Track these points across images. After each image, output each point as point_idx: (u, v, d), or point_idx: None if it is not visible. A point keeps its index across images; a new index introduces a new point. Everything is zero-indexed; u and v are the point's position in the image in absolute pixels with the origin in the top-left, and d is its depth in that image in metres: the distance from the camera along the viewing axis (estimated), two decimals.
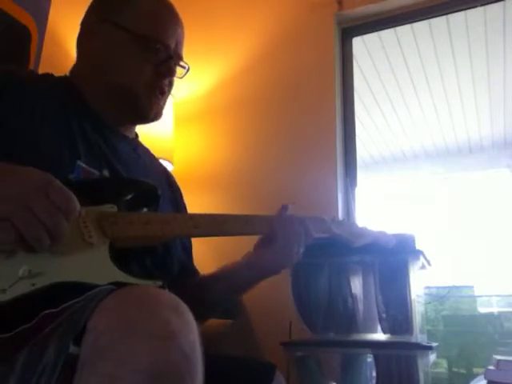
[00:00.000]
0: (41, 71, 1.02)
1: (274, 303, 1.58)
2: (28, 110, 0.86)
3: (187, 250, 1.11)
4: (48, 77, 1.00)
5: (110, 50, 0.98)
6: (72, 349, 0.53)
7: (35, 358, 0.54)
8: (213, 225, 0.89)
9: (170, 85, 1.04)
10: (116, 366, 0.49)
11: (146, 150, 1.14)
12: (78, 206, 0.67)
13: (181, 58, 1.05)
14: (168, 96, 1.06)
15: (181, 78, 1.06)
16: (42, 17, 1.67)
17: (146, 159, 1.10)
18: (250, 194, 1.94)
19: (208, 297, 1.01)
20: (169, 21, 1.01)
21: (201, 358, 0.54)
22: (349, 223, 1.17)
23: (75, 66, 1.04)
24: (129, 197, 0.83)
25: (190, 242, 1.13)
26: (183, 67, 1.06)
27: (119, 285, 0.61)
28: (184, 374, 0.51)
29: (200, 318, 0.59)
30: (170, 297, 0.58)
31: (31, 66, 1.61)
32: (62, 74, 1.03)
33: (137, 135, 1.12)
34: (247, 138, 2.05)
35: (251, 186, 1.96)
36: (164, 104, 1.04)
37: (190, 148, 2.11)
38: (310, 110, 1.95)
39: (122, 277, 0.70)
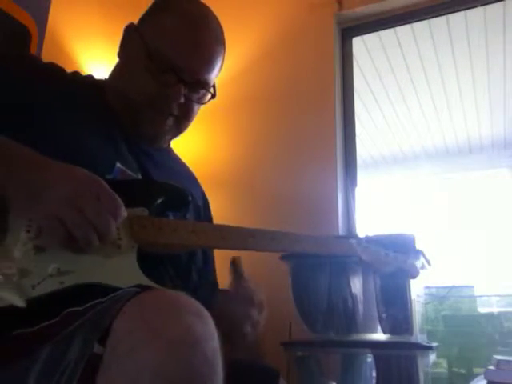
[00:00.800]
0: (71, 70, 1.01)
1: (274, 303, 1.57)
2: (72, 107, 0.85)
3: (208, 261, 1.08)
4: (88, 78, 1.00)
5: (128, 61, 0.95)
6: (97, 348, 0.53)
7: (58, 355, 0.55)
8: (239, 238, 0.87)
9: (186, 111, 0.96)
10: (138, 370, 0.49)
11: (179, 159, 1.13)
12: (125, 210, 0.69)
13: (202, 84, 0.94)
14: (185, 122, 0.98)
15: (203, 103, 0.98)
16: (42, 17, 1.67)
17: (180, 168, 1.09)
18: (250, 193, 1.94)
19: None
20: (191, 42, 0.91)
21: (221, 365, 0.54)
22: (375, 249, 1.13)
23: (110, 73, 1.01)
24: (159, 201, 0.83)
25: (213, 253, 1.11)
26: (209, 92, 0.97)
27: (144, 287, 0.61)
28: (206, 380, 0.50)
29: None
30: (193, 302, 0.58)
31: None
32: (102, 78, 1.02)
33: (169, 144, 1.08)
34: (247, 137, 2.05)
35: (251, 185, 1.96)
36: (176, 127, 0.98)
37: (189, 148, 2.11)
38: (309, 110, 1.95)
39: (145, 282, 0.70)
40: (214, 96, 0.98)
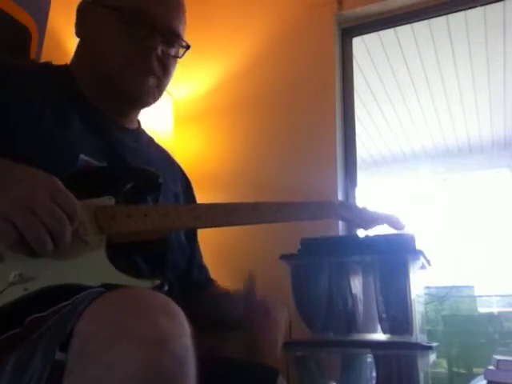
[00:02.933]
0: (31, 60, 0.99)
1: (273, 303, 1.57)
2: (28, 100, 0.82)
3: (187, 246, 1.04)
4: (48, 66, 0.96)
5: (97, 33, 0.92)
6: (59, 355, 0.51)
7: (24, 363, 0.53)
8: (216, 215, 0.83)
9: (164, 65, 0.95)
10: (104, 372, 0.47)
11: (151, 141, 1.08)
12: (78, 209, 0.66)
13: (174, 34, 0.94)
14: (165, 79, 0.97)
15: (179, 57, 0.98)
16: (42, 17, 1.66)
17: (151, 150, 1.05)
18: (250, 193, 1.94)
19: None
20: None
21: (194, 363, 0.52)
22: (358, 207, 1.12)
23: (74, 54, 1.00)
24: (128, 186, 0.79)
25: (193, 236, 1.08)
26: (181, 45, 0.97)
27: (109, 287, 0.59)
28: (176, 380, 0.49)
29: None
30: (161, 299, 0.56)
31: None
32: (62, 64, 0.99)
33: (139, 124, 1.06)
34: (247, 137, 2.04)
35: (251, 185, 1.96)
36: (157, 86, 0.95)
37: (189, 148, 2.11)
38: (309, 110, 1.95)
39: (118, 276, 0.67)
40: (188, 47, 0.98)
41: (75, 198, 0.66)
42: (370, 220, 1.10)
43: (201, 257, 1.11)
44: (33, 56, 1.63)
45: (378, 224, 1.11)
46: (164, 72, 0.96)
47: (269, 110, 2.03)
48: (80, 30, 0.98)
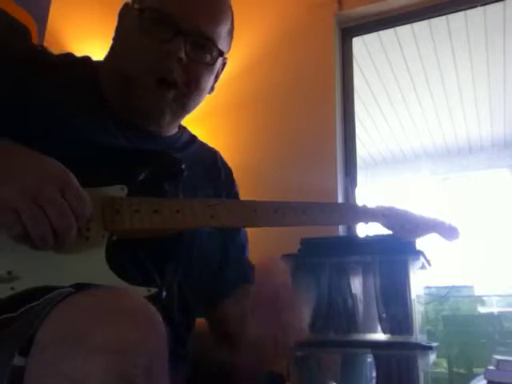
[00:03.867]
0: (65, 52, 0.93)
1: None
2: (56, 98, 0.77)
3: (217, 244, 0.90)
4: (85, 60, 0.88)
5: (122, 34, 0.83)
6: (19, 360, 0.48)
7: None
8: (235, 214, 0.73)
9: (188, 72, 0.80)
10: (58, 383, 0.44)
11: (188, 143, 0.95)
12: (91, 210, 0.62)
13: (204, 36, 0.80)
14: (189, 91, 0.82)
15: (211, 64, 0.84)
16: (42, 17, 1.67)
17: (185, 152, 0.91)
18: (250, 193, 1.93)
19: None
20: None
21: (165, 369, 0.48)
22: (400, 211, 0.96)
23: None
24: (144, 174, 0.71)
25: (242, 232, 0.95)
26: (215, 51, 0.82)
27: (79, 287, 0.55)
28: None
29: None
30: (129, 303, 0.51)
31: None
32: (97, 60, 0.89)
33: (179, 128, 0.93)
34: (247, 137, 2.04)
35: (251, 185, 1.96)
36: (177, 100, 0.81)
37: None
38: (310, 110, 1.95)
39: (113, 280, 0.61)
40: (221, 54, 0.83)
41: (88, 196, 0.61)
42: (416, 228, 0.94)
43: (241, 257, 0.95)
44: None
45: (427, 233, 0.95)
46: (189, 81, 0.81)
47: (269, 110, 2.03)
48: (114, 35, 0.86)
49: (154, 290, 0.61)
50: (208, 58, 0.83)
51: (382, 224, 0.91)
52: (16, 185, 0.58)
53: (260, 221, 0.74)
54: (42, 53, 0.86)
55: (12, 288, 0.57)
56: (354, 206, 0.92)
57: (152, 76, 0.78)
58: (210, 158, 1.00)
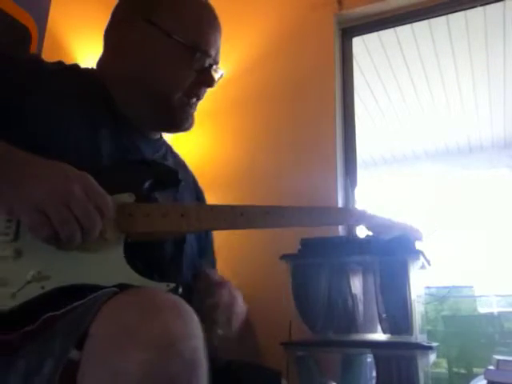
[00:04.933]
0: (55, 60, 0.97)
1: (274, 303, 1.58)
2: (56, 100, 0.81)
3: (205, 245, 1.04)
4: (76, 69, 0.95)
5: (148, 51, 0.91)
6: (74, 354, 0.52)
7: (37, 361, 0.53)
8: (236, 217, 0.81)
9: (204, 93, 1.00)
10: (113, 374, 0.47)
11: (169, 151, 1.08)
12: (113, 208, 0.66)
13: (217, 64, 1.00)
14: (197, 105, 1.01)
15: (215, 85, 1.01)
16: (41, 17, 1.67)
17: (170, 160, 1.04)
18: (250, 193, 1.94)
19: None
20: (212, 28, 0.97)
21: (206, 364, 0.52)
22: (373, 214, 1.10)
23: (103, 58, 0.97)
24: (148, 183, 0.78)
25: (210, 235, 1.08)
26: (217, 73, 1.01)
27: (122, 287, 0.59)
28: (184, 382, 0.49)
29: None
30: (172, 300, 0.55)
31: None
32: (89, 67, 0.98)
33: (161, 136, 1.06)
34: (247, 137, 2.05)
35: (251, 185, 1.96)
36: (194, 112, 1.00)
37: (190, 148, 2.11)
38: (310, 110, 1.95)
39: (133, 277, 0.66)
40: (222, 76, 1.02)
41: (108, 196, 0.66)
42: (388, 228, 1.09)
43: (211, 249, 1.09)
44: None
45: (395, 233, 1.10)
46: (202, 97, 1.00)
47: (269, 110, 2.03)
48: (119, 39, 0.94)
49: (172, 286, 0.66)
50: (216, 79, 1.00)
51: (365, 225, 1.04)
52: (42, 188, 0.61)
53: (251, 223, 0.83)
54: (40, 61, 0.90)
55: (42, 287, 0.61)
56: (340, 210, 1.07)
57: (186, 98, 0.94)
58: (184, 163, 1.14)
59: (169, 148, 1.09)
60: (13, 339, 0.55)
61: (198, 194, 1.11)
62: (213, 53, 0.96)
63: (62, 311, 0.56)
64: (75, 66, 0.96)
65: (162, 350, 0.49)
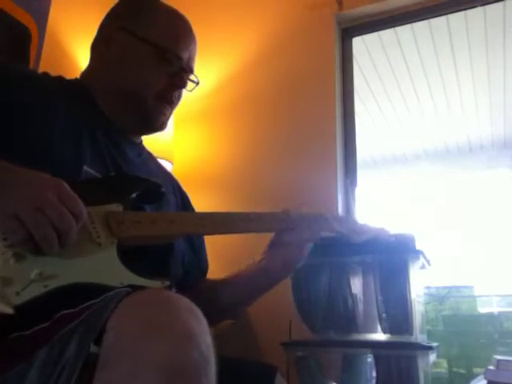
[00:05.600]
0: (40, 71, 1.02)
1: (274, 303, 1.58)
2: (40, 110, 0.85)
3: (196, 249, 1.10)
4: (60, 79, 1.01)
5: (126, 58, 1.00)
6: (93, 348, 0.54)
7: (55, 357, 0.55)
8: (220, 223, 0.89)
9: (179, 97, 1.06)
10: (135, 365, 0.50)
11: (150, 155, 1.15)
12: (85, 211, 0.69)
13: (192, 72, 1.06)
14: (175, 108, 1.07)
15: (190, 91, 1.08)
16: (41, 17, 1.67)
17: (151, 164, 1.11)
18: (250, 194, 1.94)
19: (216, 304, 1.01)
20: (184, 34, 1.03)
21: (214, 360, 0.54)
22: (349, 219, 1.19)
23: (88, 70, 1.05)
24: (134, 195, 0.83)
25: (201, 240, 1.13)
26: (193, 81, 1.07)
27: (134, 287, 0.63)
28: (201, 374, 0.51)
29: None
30: (185, 299, 0.59)
31: (31, 66, 1.61)
32: (73, 78, 1.04)
33: (141, 140, 1.12)
34: (247, 137, 2.05)
35: (250, 186, 1.96)
36: (170, 115, 1.06)
37: (189, 148, 2.11)
38: (309, 110, 1.95)
39: (129, 276, 0.70)
40: (198, 83, 1.08)
41: (81, 201, 0.68)
42: (360, 233, 1.14)
43: (203, 249, 1.14)
44: (33, 56, 1.63)
45: (367, 237, 1.15)
46: (178, 103, 1.07)
47: (268, 110, 2.03)
48: (102, 49, 1.03)
49: (166, 283, 0.71)
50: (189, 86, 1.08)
51: (334, 231, 1.11)
52: (15, 193, 0.65)
53: (240, 228, 0.94)
54: (26, 69, 0.95)
55: (45, 286, 0.64)
56: (316, 216, 1.12)
57: (159, 100, 1.00)
58: (165, 168, 1.21)
59: (150, 153, 1.15)
60: (28, 336, 0.58)
61: (183, 198, 1.15)
62: (184, 56, 1.02)
63: (79, 308, 0.59)
64: (60, 77, 1.02)
65: (183, 342, 0.52)
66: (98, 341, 0.54)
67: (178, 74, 1.02)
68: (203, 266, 1.14)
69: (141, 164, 1.04)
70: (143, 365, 0.49)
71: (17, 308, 0.60)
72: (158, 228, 0.80)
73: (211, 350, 0.54)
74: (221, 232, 0.92)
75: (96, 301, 0.59)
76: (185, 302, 0.58)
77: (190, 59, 1.05)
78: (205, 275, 1.14)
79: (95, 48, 1.05)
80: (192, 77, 1.06)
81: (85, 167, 0.86)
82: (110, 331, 0.53)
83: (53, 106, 0.88)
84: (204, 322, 0.57)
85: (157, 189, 0.89)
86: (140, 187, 0.85)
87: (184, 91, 1.07)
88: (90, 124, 0.93)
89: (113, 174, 0.91)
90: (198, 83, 1.08)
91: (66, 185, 0.68)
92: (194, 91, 1.08)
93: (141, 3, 1.07)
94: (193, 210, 1.17)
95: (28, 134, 0.81)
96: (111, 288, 0.63)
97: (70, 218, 0.66)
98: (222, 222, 0.90)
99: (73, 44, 1.85)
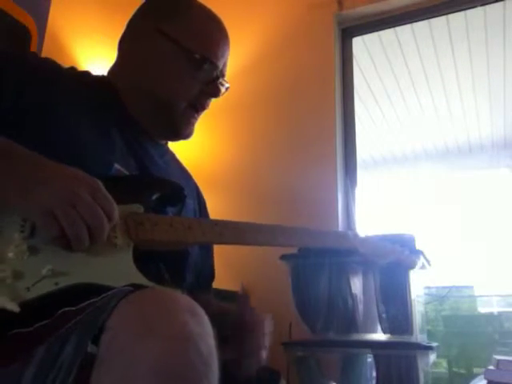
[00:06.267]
0: (67, 66, 1.00)
1: (274, 303, 1.58)
2: (70, 105, 0.84)
3: (207, 254, 1.08)
4: (88, 75, 0.98)
5: (157, 60, 0.95)
6: (91, 348, 0.53)
7: (52, 355, 0.54)
8: (238, 233, 0.86)
9: (209, 104, 1.02)
10: (131, 366, 0.49)
11: (174, 157, 1.12)
12: (117, 212, 0.68)
13: (224, 77, 1.01)
14: (201, 115, 1.03)
15: (219, 96, 1.03)
16: (41, 17, 1.67)
17: (174, 166, 1.08)
18: (250, 193, 1.94)
19: None
20: (220, 40, 0.98)
21: (217, 363, 0.53)
22: (370, 239, 1.13)
23: (115, 66, 1.01)
24: (155, 196, 0.81)
25: (212, 246, 1.11)
26: (225, 87, 1.02)
27: (136, 286, 0.61)
28: (201, 377, 0.50)
29: None
30: (188, 300, 0.57)
31: None
32: (99, 74, 1.02)
33: (166, 142, 1.09)
34: (247, 137, 2.05)
35: (251, 185, 1.96)
36: (196, 122, 1.02)
37: (189, 148, 2.11)
38: (310, 110, 1.95)
39: (142, 281, 0.68)
40: (227, 89, 1.03)
41: (113, 200, 0.68)
42: (382, 255, 1.11)
43: (208, 268, 1.11)
44: None
45: (390, 260, 1.12)
46: (206, 108, 1.02)
47: (269, 110, 2.04)
48: (131, 46, 0.98)
49: (177, 291, 0.68)
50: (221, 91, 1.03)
51: (355, 250, 1.06)
52: (50, 189, 0.64)
53: (255, 240, 0.89)
54: (56, 64, 0.92)
55: (56, 283, 0.63)
56: (341, 234, 1.10)
57: (190, 108, 0.96)
58: (187, 171, 1.16)
59: (173, 155, 1.12)
60: (29, 333, 0.57)
61: (200, 203, 1.12)
62: (220, 65, 0.97)
63: (79, 307, 0.58)
64: (87, 73, 0.99)
65: (182, 343, 0.50)
66: (97, 340, 0.53)
67: (213, 83, 0.97)
68: (212, 270, 1.11)
69: (164, 165, 1.01)
70: (138, 366, 0.48)
71: (24, 304, 0.59)
72: (175, 233, 0.78)
73: (213, 353, 0.53)
74: (239, 242, 0.88)
75: (96, 299, 0.59)
76: (186, 302, 0.56)
77: (224, 65, 1.00)
78: (213, 279, 1.12)
79: (123, 44, 1.00)
80: (223, 82, 1.01)
81: (115, 165, 0.85)
82: (108, 331, 0.52)
83: (82, 103, 0.86)
84: (206, 323, 0.55)
85: (179, 191, 0.87)
86: (162, 189, 0.84)
87: None
88: (117, 123, 0.91)
89: (136, 173, 0.89)
90: (227, 88, 1.03)
91: (100, 183, 0.68)
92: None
93: (177, 2, 1.00)
94: (207, 216, 1.14)
95: (59, 131, 0.80)
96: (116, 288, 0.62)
97: (103, 217, 0.65)
98: (241, 233, 0.87)
99: (73, 44, 1.85)
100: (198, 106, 0.98)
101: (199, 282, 1.04)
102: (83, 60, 1.87)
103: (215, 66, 0.96)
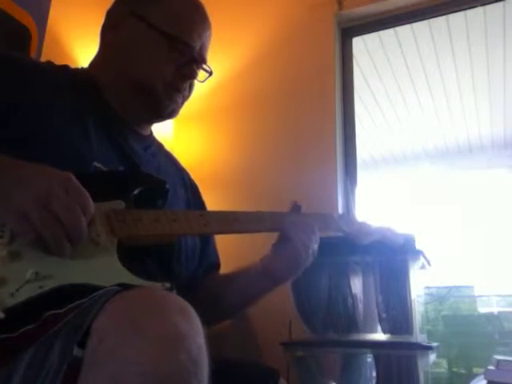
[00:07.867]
0: (44, 60, 0.99)
1: (274, 303, 1.58)
2: (47, 102, 0.83)
3: (208, 242, 1.08)
4: (66, 68, 0.98)
5: (134, 45, 0.96)
6: (77, 351, 0.52)
7: (40, 359, 0.53)
8: (223, 222, 0.86)
9: (191, 87, 1.02)
10: (121, 367, 0.47)
11: (161, 148, 1.11)
12: (92, 204, 0.67)
13: (204, 62, 1.02)
14: (188, 97, 1.03)
15: (202, 81, 1.04)
16: (42, 17, 1.67)
17: (161, 157, 1.07)
18: (250, 193, 1.94)
19: (221, 302, 1.00)
20: (197, 22, 0.99)
21: (207, 363, 0.52)
22: (356, 220, 1.14)
23: (96, 58, 1.01)
24: (136, 191, 0.80)
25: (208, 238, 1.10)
26: (206, 71, 1.03)
27: (125, 286, 0.60)
28: (191, 377, 0.49)
29: (206, 323, 0.57)
30: (177, 299, 0.56)
31: None
32: (79, 67, 1.01)
33: (151, 132, 1.08)
34: (247, 137, 2.05)
35: (251, 185, 1.96)
36: (182, 104, 1.02)
37: (189, 148, 2.11)
38: (310, 110, 1.95)
39: (129, 278, 0.67)
40: (211, 73, 1.04)
41: (87, 193, 0.66)
42: (366, 234, 1.11)
43: (212, 256, 1.12)
44: (33, 56, 1.63)
45: (374, 238, 1.12)
46: (190, 93, 1.03)
47: (269, 110, 2.03)
48: (109, 35, 0.99)
49: (167, 286, 0.67)
50: (202, 77, 1.03)
51: (340, 231, 1.09)
52: (24, 192, 0.62)
53: (242, 228, 0.90)
54: (33, 59, 0.92)
55: (41, 286, 0.61)
56: (324, 215, 1.09)
57: (171, 89, 0.96)
58: (176, 159, 1.15)
59: (160, 145, 1.11)
60: (14, 338, 0.55)
61: (194, 191, 1.12)
62: (196, 46, 0.97)
63: (65, 309, 0.57)
64: (65, 66, 0.98)
65: (171, 344, 0.49)
66: (83, 343, 0.51)
67: (188, 65, 0.97)
68: (213, 258, 1.11)
69: (149, 158, 1.00)
70: (126, 370, 0.47)
71: (9, 310, 0.58)
72: (160, 227, 0.76)
73: (203, 352, 0.52)
74: (225, 231, 0.89)
75: (82, 301, 0.57)
76: (176, 302, 0.55)
77: (203, 48, 1.00)
78: (217, 268, 1.11)
79: (103, 33, 1.01)
80: (204, 67, 1.01)
81: (94, 163, 0.83)
82: (94, 332, 0.51)
83: (59, 99, 0.85)
84: (196, 322, 0.54)
85: (160, 185, 0.85)
86: (143, 183, 0.82)
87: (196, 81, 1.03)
88: (97, 117, 0.90)
89: (114, 169, 0.87)
90: (211, 73, 1.03)
91: (73, 177, 0.66)
92: (205, 82, 1.04)
93: None
94: (203, 203, 1.14)
95: (35, 129, 0.79)
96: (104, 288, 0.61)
97: (77, 210, 0.63)
98: (226, 221, 0.87)
99: (73, 44, 1.85)
100: (176, 90, 0.97)
101: (203, 270, 1.05)
102: (83, 60, 1.87)
103: (190, 47, 0.96)
